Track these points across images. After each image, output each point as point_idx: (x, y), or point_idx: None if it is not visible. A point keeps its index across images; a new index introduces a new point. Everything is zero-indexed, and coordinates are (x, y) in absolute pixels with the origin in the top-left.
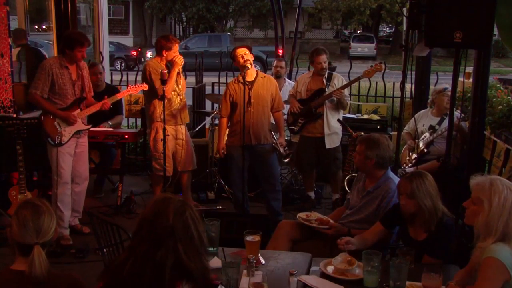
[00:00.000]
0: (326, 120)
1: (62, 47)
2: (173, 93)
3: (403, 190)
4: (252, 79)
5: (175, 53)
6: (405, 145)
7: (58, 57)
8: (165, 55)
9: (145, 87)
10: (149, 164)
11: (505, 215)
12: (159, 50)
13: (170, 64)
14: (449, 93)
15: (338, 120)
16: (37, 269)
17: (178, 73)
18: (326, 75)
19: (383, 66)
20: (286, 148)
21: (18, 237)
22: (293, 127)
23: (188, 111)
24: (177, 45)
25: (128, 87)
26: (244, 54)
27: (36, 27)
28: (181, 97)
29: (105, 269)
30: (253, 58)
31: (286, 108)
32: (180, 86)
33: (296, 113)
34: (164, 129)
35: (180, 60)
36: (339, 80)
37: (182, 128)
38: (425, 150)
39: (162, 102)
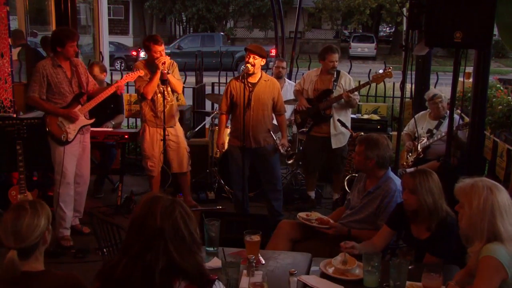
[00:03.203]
0: (333, 121)
1: (53, 47)
2: (159, 95)
3: (406, 185)
4: (255, 81)
5: (156, 53)
6: (404, 146)
7: (50, 58)
8: (147, 55)
9: (141, 73)
10: None
11: (487, 215)
12: (144, 50)
13: (152, 66)
14: (439, 99)
15: (338, 120)
16: (6, 272)
17: (163, 74)
18: (334, 75)
19: (393, 72)
20: (288, 148)
21: (2, 240)
22: (303, 129)
23: (179, 114)
24: (156, 46)
25: (125, 76)
26: (252, 57)
27: (36, 31)
28: (168, 99)
29: (100, 269)
30: (263, 63)
31: (287, 109)
32: (169, 89)
33: (304, 114)
34: (164, 129)
35: (159, 62)
36: (346, 80)
37: (174, 130)
38: (421, 154)
39: (151, 103)
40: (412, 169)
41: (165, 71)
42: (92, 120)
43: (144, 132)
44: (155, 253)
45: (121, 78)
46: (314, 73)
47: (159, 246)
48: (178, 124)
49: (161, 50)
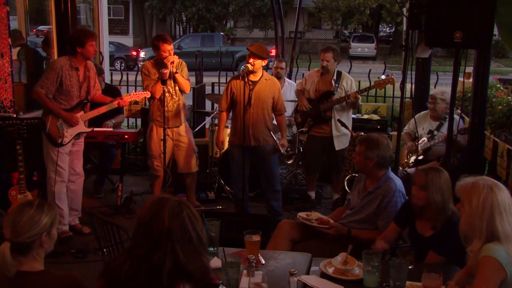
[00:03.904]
0: (334, 123)
1: (72, 48)
2: (167, 94)
3: (417, 181)
4: (256, 79)
5: (164, 53)
6: (404, 146)
7: (68, 58)
8: (156, 54)
9: (148, 94)
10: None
11: (486, 214)
12: (152, 49)
13: (161, 65)
14: (433, 100)
15: (338, 120)
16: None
17: (171, 74)
18: (335, 76)
19: (395, 79)
20: (288, 148)
21: (3, 231)
22: (303, 129)
23: (187, 113)
24: (165, 45)
25: (132, 94)
26: (252, 58)
27: (35, 31)
28: (176, 99)
29: (104, 269)
30: (264, 64)
31: (288, 109)
32: (177, 88)
33: (304, 113)
34: (164, 129)
35: (168, 62)
36: (348, 81)
37: (180, 130)
38: (421, 157)
39: (158, 103)
40: (412, 169)
41: (174, 71)
42: (90, 129)
43: (152, 132)
44: (162, 254)
45: (128, 93)
46: (315, 74)
47: (167, 247)
48: (185, 124)
49: (170, 49)
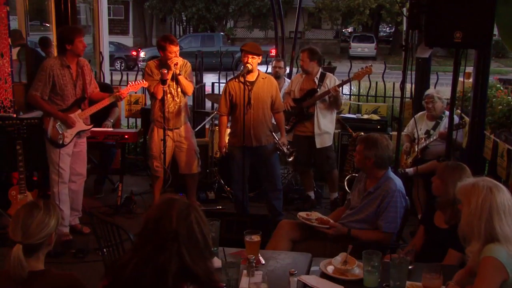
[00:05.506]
0: (316, 120)
1: (61, 46)
2: (169, 95)
3: (437, 169)
4: (253, 79)
5: (170, 54)
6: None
7: (58, 58)
8: (161, 55)
9: (145, 84)
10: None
11: (484, 215)
12: (158, 49)
13: (165, 66)
14: (430, 100)
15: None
16: (14, 268)
17: (174, 76)
18: (318, 75)
19: (372, 69)
20: (289, 146)
21: (10, 233)
22: (286, 126)
23: (189, 114)
24: (171, 46)
25: (129, 85)
26: (251, 57)
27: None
28: (178, 101)
29: (109, 268)
30: (259, 61)
31: None
32: (179, 90)
33: (288, 112)
34: (164, 129)
35: (171, 63)
36: (331, 80)
37: (180, 131)
38: (419, 156)
39: (160, 103)
40: (411, 169)
41: (177, 72)
42: (91, 127)
43: (152, 132)
44: (168, 255)
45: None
46: (300, 75)
47: (173, 248)
48: (187, 125)
49: (176, 50)
